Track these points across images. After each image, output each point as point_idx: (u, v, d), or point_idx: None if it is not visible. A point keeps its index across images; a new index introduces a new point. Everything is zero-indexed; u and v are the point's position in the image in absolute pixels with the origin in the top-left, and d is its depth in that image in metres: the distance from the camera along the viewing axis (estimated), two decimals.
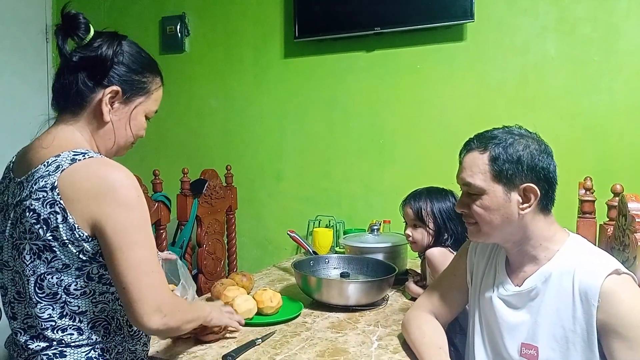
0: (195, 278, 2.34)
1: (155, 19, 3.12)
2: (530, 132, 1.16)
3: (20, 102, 3.11)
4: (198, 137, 3.09)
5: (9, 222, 1.01)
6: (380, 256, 1.92)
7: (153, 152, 3.12)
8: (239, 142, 2.98)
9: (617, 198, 1.43)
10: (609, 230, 1.45)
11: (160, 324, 0.97)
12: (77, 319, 1.01)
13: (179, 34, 3.04)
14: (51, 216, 0.94)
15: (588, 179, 1.70)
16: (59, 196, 0.94)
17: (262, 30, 2.87)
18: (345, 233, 2.53)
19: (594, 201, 1.65)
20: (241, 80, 2.95)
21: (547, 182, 1.12)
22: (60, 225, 0.94)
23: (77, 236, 0.95)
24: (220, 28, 2.99)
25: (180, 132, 3.13)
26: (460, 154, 1.20)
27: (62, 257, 0.97)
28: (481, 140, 1.15)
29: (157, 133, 3.12)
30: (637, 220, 1.17)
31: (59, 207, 0.94)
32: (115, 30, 1.09)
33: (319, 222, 2.73)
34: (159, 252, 1.47)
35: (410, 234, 1.77)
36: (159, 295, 0.98)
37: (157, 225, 2.09)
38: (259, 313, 1.52)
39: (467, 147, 1.18)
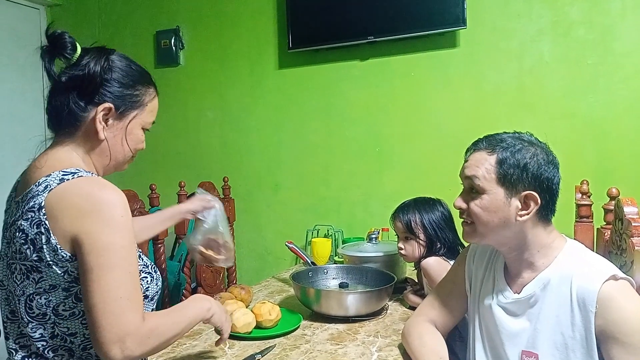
0: (194, 291, 2.33)
1: (149, 33, 3.14)
2: (540, 142, 1.16)
3: (19, 119, 3.11)
4: (195, 149, 3.10)
5: (5, 241, 1.01)
6: (379, 265, 1.90)
7: (150, 166, 3.12)
8: (236, 153, 2.98)
9: (613, 202, 1.42)
10: (606, 234, 1.44)
11: (121, 356, 0.89)
12: (69, 340, 0.99)
13: (174, 48, 3.05)
14: (37, 237, 0.93)
15: (585, 182, 1.68)
16: (45, 216, 0.92)
17: (257, 41, 2.88)
18: (344, 242, 2.51)
19: (590, 205, 1.64)
20: (237, 91, 2.95)
21: (549, 193, 1.11)
22: (45, 246, 0.93)
23: (61, 257, 0.93)
24: (214, 40, 3.00)
25: (177, 144, 3.13)
26: (466, 152, 1.20)
27: (48, 278, 0.95)
28: (490, 142, 1.15)
29: (154, 147, 3.13)
30: (633, 224, 1.16)
31: (44, 228, 0.92)
32: (111, 44, 1.08)
33: (318, 231, 2.72)
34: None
35: (402, 246, 1.75)
36: (125, 325, 0.90)
37: (154, 240, 2.08)
38: (258, 326, 1.51)
39: (475, 146, 1.18)
